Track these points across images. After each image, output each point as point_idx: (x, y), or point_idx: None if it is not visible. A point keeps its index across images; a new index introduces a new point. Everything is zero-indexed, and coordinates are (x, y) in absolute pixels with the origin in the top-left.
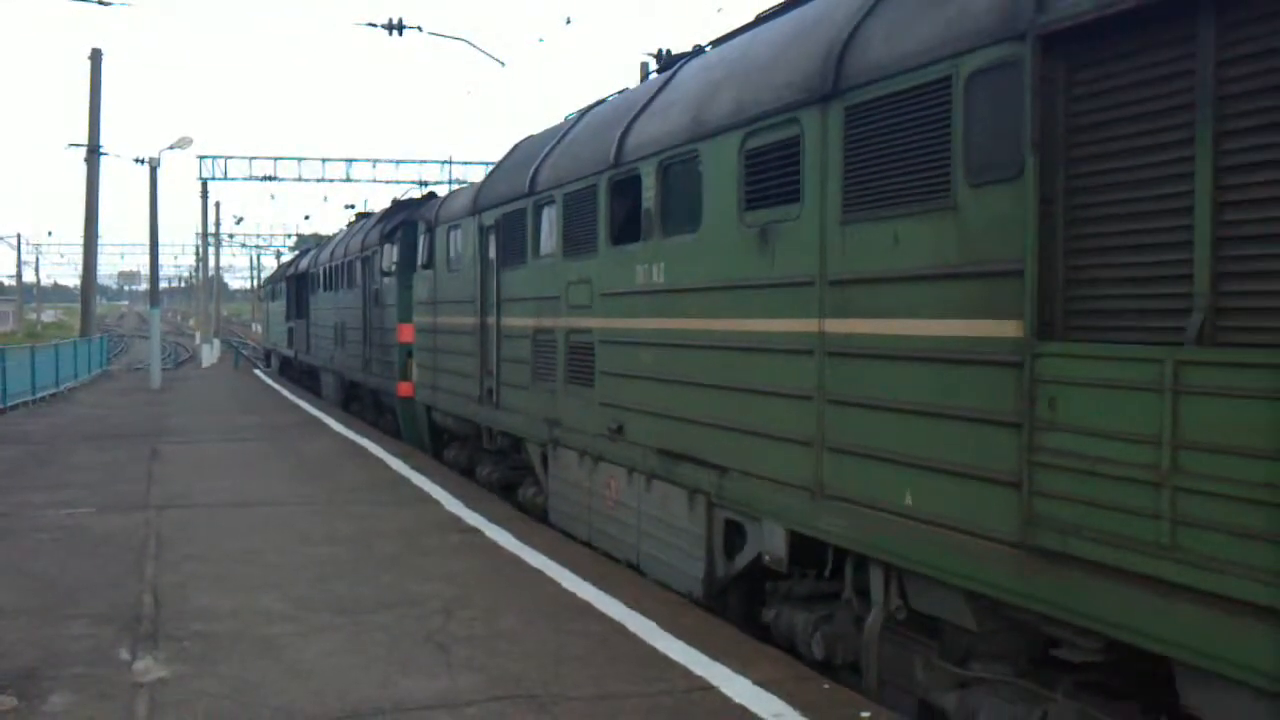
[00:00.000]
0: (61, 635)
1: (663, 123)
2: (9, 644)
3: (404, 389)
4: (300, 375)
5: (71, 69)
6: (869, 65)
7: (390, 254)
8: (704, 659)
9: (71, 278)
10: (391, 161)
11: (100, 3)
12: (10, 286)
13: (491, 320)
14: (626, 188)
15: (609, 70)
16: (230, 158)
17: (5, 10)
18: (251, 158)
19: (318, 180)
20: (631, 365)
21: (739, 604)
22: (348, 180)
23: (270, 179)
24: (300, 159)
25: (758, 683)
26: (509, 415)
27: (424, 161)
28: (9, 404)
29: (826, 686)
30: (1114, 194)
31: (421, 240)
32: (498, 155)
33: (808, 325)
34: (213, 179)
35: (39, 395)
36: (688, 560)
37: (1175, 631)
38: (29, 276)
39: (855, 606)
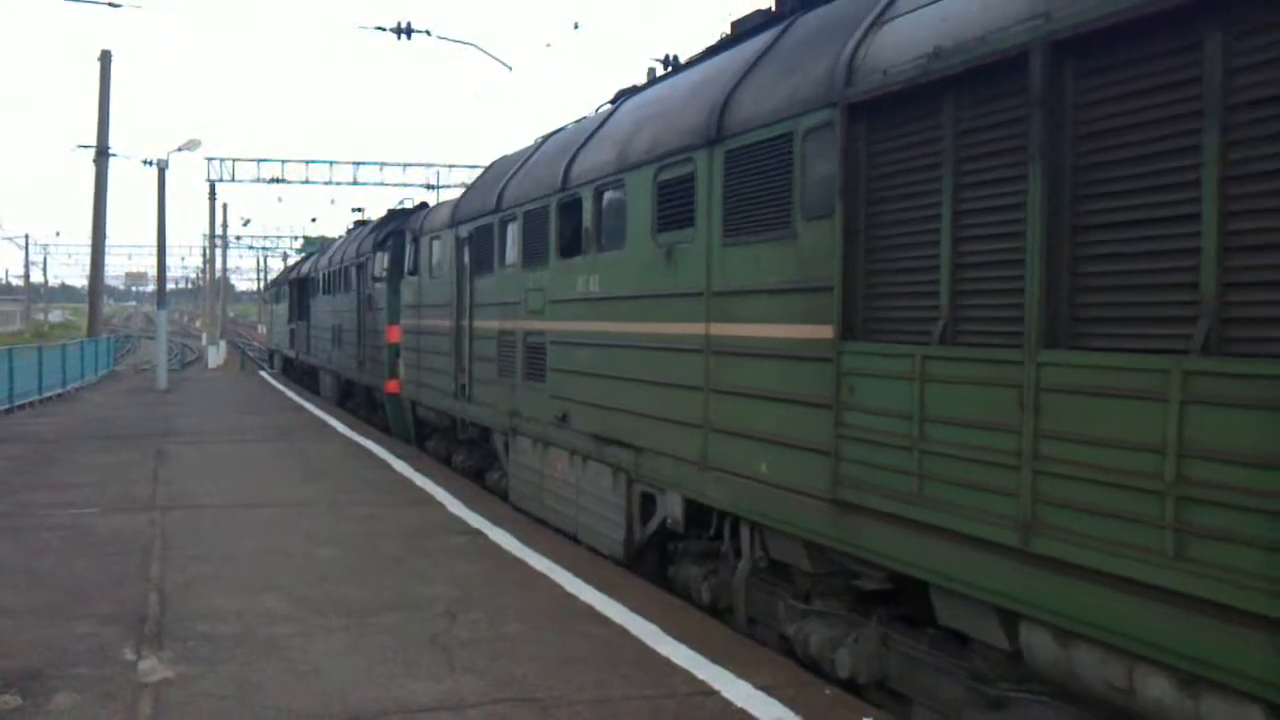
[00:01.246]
0: (66, 635)
1: (599, 154)
2: (13, 643)
3: (392, 386)
4: (302, 375)
5: (80, 70)
6: (741, 118)
7: (381, 261)
8: (706, 663)
9: (79, 278)
10: (398, 165)
11: (110, 4)
12: (18, 287)
13: (465, 323)
14: (571, 209)
15: (616, 75)
16: (238, 160)
17: (13, 10)
18: (259, 160)
19: (325, 183)
20: (574, 362)
21: (654, 563)
22: (355, 183)
23: (278, 181)
24: (308, 162)
25: (760, 687)
26: (478, 408)
27: (431, 165)
28: (16, 404)
29: (828, 692)
30: (895, 229)
31: (408, 249)
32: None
33: (698, 329)
34: (220, 181)
35: (46, 395)
36: (613, 527)
37: (926, 560)
38: (36, 277)
39: (732, 559)
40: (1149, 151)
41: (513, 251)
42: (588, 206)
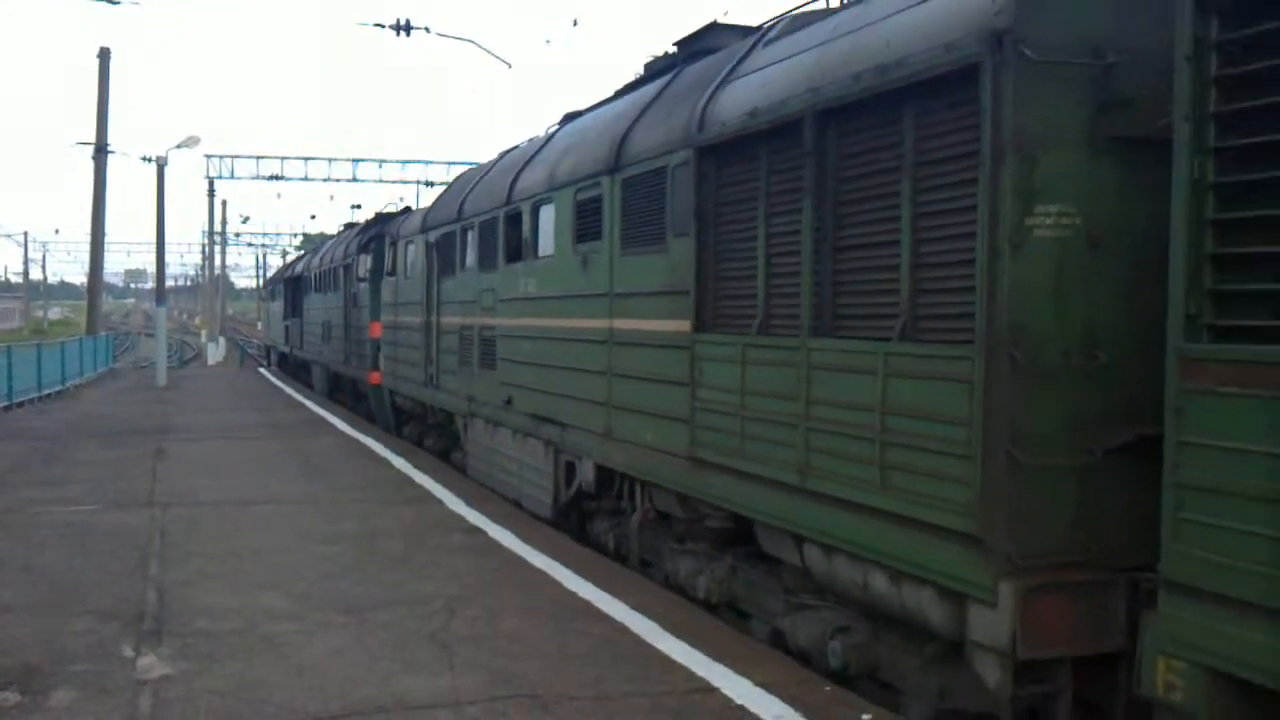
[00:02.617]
0: (65, 632)
1: (538, 173)
2: (12, 640)
3: (374, 378)
4: (296, 370)
5: (79, 67)
6: (632, 152)
7: (365, 262)
8: (705, 660)
9: (78, 275)
10: (397, 162)
11: (109, 1)
12: (17, 284)
13: (433, 319)
14: (515, 220)
15: (615, 71)
16: (237, 157)
17: (13, 8)
18: (258, 157)
19: (324, 180)
20: (518, 353)
21: (576, 521)
22: (354, 180)
23: (277, 179)
24: (306, 159)
25: (759, 684)
26: (444, 395)
27: (430, 162)
28: (15, 401)
29: (828, 689)
30: (732, 245)
31: (388, 252)
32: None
33: (604, 324)
34: (219, 178)
35: (45, 392)
36: (544, 493)
37: (748, 501)
38: (35, 274)
39: (629, 513)
40: (874, 194)
41: (471, 256)
42: (526, 219)
